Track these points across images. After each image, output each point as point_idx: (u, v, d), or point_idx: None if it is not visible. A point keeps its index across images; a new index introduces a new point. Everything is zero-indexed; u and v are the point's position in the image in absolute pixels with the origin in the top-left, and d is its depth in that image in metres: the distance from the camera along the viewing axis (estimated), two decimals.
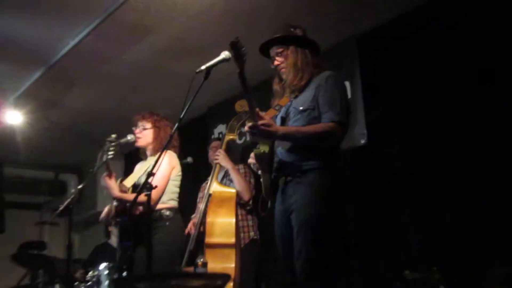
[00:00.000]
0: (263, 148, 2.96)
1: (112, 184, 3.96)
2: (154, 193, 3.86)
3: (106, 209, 4.31)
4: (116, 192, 3.93)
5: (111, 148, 3.93)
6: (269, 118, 2.88)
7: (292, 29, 3.10)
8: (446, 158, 4.08)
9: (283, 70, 3.07)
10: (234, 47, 2.66)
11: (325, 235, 2.83)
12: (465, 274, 3.39)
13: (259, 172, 3.07)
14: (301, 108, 2.97)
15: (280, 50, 3.08)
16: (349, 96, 4.83)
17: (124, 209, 3.94)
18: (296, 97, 3.05)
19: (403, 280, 3.49)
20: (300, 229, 2.82)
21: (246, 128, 2.85)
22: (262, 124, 2.74)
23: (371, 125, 4.68)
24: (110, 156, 3.95)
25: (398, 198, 4.37)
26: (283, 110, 3.08)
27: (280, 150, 2.99)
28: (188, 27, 4.70)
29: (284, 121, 3.05)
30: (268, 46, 3.14)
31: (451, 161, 4.03)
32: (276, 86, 3.17)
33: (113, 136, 4.01)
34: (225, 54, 2.92)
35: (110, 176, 3.97)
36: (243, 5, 4.31)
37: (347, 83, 4.90)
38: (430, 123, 4.22)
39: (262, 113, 2.86)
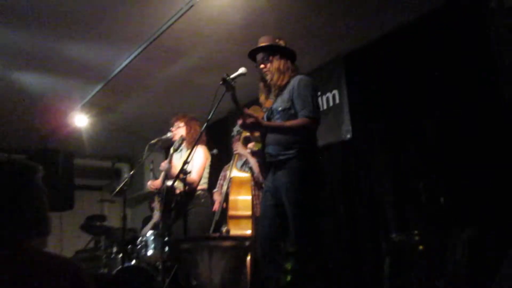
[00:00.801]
0: (257, 146, 2.95)
1: (173, 166, 3.96)
2: (196, 179, 3.90)
3: (151, 183, 4.26)
4: (175, 170, 3.92)
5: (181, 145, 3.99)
6: (256, 115, 2.79)
7: (277, 40, 3.04)
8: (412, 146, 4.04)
9: (267, 72, 3.00)
10: (225, 81, 2.67)
11: (308, 208, 2.78)
12: (438, 236, 3.32)
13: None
14: (280, 108, 2.90)
15: (266, 57, 3.01)
16: (337, 101, 4.83)
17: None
18: (276, 99, 2.97)
19: (389, 241, 3.42)
20: (289, 206, 2.78)
21: (238, 122, 2.80)
22: (250, 121, 2.70)
23: (354, 123, 4.64)
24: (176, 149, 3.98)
25: (378, 180, 4.33)
26: (268, 111, 3.02)
27: (269, 143, 2.94)
28: (213, 49, 4.66)
29: (269, 119, 2.99)
30: (255, 52, 3.07)
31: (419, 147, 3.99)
32: (260, 84, 3.10)
33: (169, 133, 4.07)
34: (242, 69, 2.89)
35: (170, 162, 3.97)
36: (253, 31, 4.26)
37: (335, 91, 4.88)
38: (402, 121, 4.17)
39: (249, 112, 2.78)
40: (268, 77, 3.00)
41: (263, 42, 3.05)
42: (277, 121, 2.91)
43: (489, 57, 3.54)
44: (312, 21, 4.20)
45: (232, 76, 2.81)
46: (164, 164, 4.04)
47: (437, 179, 3.75)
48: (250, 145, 3.13)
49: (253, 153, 3.02)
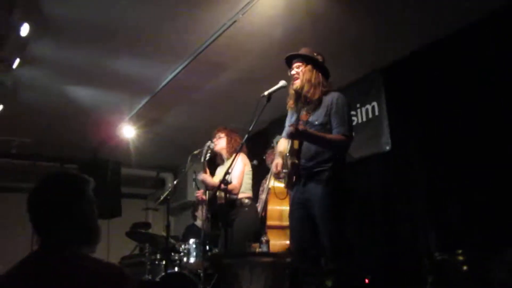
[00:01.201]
0: (293, 159, 2.95)
1: (208, 178, 4.06)
2: (237, 185, 3.96)
3: (199, 192, 4.35)
4: (212, 182, 4.00)
5: (207, 154, 4.06)
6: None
7: (315, 54, 3.08)
8: (452, 160, 3.96)
9: (296, 79, 3.02)
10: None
11: (339, 218, 2.81)
12: (482, 256, 3.23)
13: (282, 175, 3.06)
14: (316, 122, 2.93)
15: (300, 64, 3.05)
16: (377, 113, 4.80)
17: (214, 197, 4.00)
18: (313, 113, 2.99)
19: (432, 260, 3.37)
20: (321, 217, 2.80)
21: (290, 128, 2.84)
22: (301, 128, 2.78)
23: (393, 135, 4.59)
24: (206, 158, 4.11)
25: (418, 193, 4.26)
26: (304, 123, 3.01)
27: (303, 156, 2.95)
28: (253, 63, 4.74)
29: None
30: (292, 58, 3.10)
31: (457, 161, 3.91)
32: (291, 90, 3.10)
33: (208, 144, 4.14)
34: (282, 82, 2.97)
35: (205, 172, 4.09)
36: (293, 45, 4.30)
37: (374, 103, 4.85)
38: (442, 133, 4.10)
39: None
40: (296, 85, 3.02)
41: (302, 51, 3.10)
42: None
43: None
44: (351, 34, 4.22)
45: (271, 89, 2.88)
46: (198, 175, 4.14)
47: (477, 194, 3.66)
48: (279, 168, 3.14)
49: (290, 166, 3.04)
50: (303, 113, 3.04)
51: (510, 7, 3.65)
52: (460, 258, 3.17)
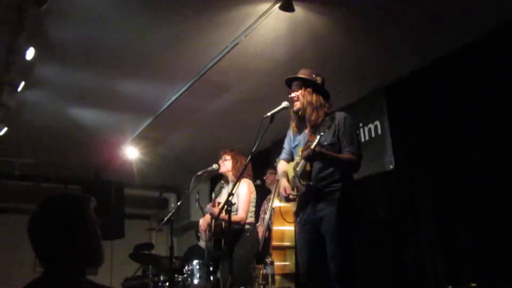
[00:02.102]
0: (304, 182, 2.92)
1: (215, 210, 4.00)
2: (243, 216, 3.94)
3: (202, 221, 4.32)
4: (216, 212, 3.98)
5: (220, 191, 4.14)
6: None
7: (314, 75, 3.05)
8: (458, 180, 3.92)
9: (295, 100, 3.01)
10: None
11: (349, 240, 2.79)
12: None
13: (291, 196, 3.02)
14: (325, 143, 2.90)
15: (299, 87, 3.03)
16: (379, 132, 4.79)
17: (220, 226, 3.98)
18: (319, 134, 2.88)
19: None
20: (332, 238, 2.77)
21: (307, 151, 2.79)
22: (319, 150, 2.76)
23: (397, 154, 4.57)
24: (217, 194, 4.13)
25: (422, 215, 4.21)
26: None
27: (314, 176, 2.92)
28: (257, 84, 4.76)
29: None
30: (291, 81, 3.10)
31: (464, 182, 3.87)
32: (292, 113, 3.09)
33: (214, 165, 4.16)
34: (285, 103, 2.96)
35: (214, 205, 4.05)
36: (296, 66, 4.30)
37: (377, 122, 4.84)
38: (445, 152, 4.08)
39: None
40: (297, 106, 3.01)
41: (301, 74, 3.10)
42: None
43: None
44: (353, 54, 4.24)
45: (274, 110, 2.87)
46: (209, 206, 4.11)
47: (487, 216, 3.61)
48: (288, 188, 3.11)
49: (303, 188, 3.00)
50: (309, 134, 3.03)
51: (509, 25, 3.66)
52: None
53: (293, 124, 3.13)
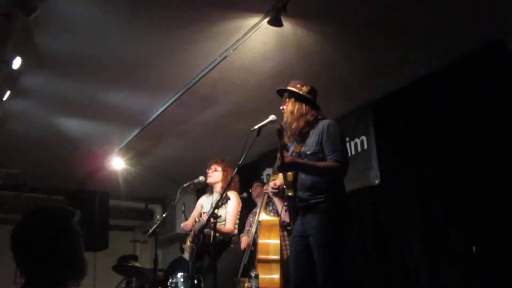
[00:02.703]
0: (289, 192, 2.93)
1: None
2: (232, 228, 3.92)
3: (186, 224, 4.29)
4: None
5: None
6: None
7: (299, 86, 3.04)
8: (441, 195, 3.96)
9: (284, 113, 3.02)
10: (279, 133, 2.80)
11: (338, 253, 2.74)
12: None
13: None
14: (308, 152, 2.89)
15: (286, 98, 3.05)
16: (365, 147, 4.83)
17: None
18: (304, 143, 2.96)
19: None
20: (319, 251, 2.74)
21: (276, 166, 2.80)
22: (288, 160, 2.76)
23: (383, 169, 4.61)
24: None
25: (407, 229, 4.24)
26: (296, 155, 2.97)
27: (300, 186, 2.91)
28: (245, 97, 4.78)
29: None
30: (279, 94, 3.11)
31: (448, 196, 3.91)
32: (283, 123, 3.08)
33: (201, 177, 4.13)
34: (272, 117, 2.98)
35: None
36: (283, 80, 4.31)
37: (363, 138, 4.89)
38: (430, 167, 4.12)
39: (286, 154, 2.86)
40: (284, 119, 3.02)
41: (289, 85, 3.10)
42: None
43: None
44: (340, 70, 4.29)
45: (261, 124, 2.89)
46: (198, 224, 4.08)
47: (468, 227, 3.65)
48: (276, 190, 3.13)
49: (286, 199, 3.01)
50: (295, 144, 3.04)
51: (497, 42, 3.74)
52: None
53: (286, 137, 3.13)
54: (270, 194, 4.43)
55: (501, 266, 3.33)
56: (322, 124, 2.92)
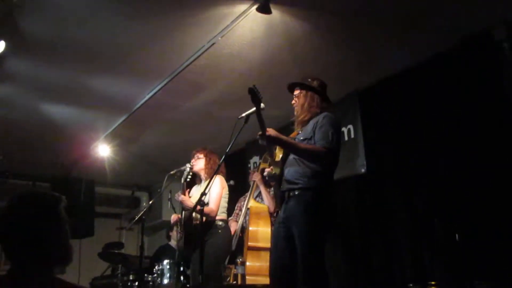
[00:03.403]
0: (275, 171, 2.97)
1: (187, 198, 4.02)
2: (214, 209, 3.94)
3: (174, 216, 4.31)
4: (190, 203, 3.95)
5: (188, 176, 4.02)
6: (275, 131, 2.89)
7: (309, 80, 3.16)
8: (426, 184, 4.01)
9: (296, 107, 3.13)
10: (251, 92, 2.80)
11: (317, 241, 2.76)
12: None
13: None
14: (301, 138, 2.96)
15: (297, 92, 3.16)
16: (352, 136, 4.86)
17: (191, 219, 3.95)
18: (301, 130, 3.06)
19: None
20: (298, 238, 2.76)
21: (258, 134, 2.87)
22: (270, 133, 2.83)
23: (369, 158, 4.64)
24: (186, 180, 4.07)
25: (392, 217, 4.29)
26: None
27: (286, 172, 2.96)
28: (232, 84, 4.76)
29: None
30: (291, 89, 3.22)
31: (433, 186, 3.96)
32: (294, 118, 3.19)
33: (187, 165, 4.11)
34: (260, 105, 2.98)
35: (184, 193, 4.04)
36: (272, 68, 4.39)
37: (350, 126, 4.91)
38: (416, 156, 4.17)
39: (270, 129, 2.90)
40: (295, 112, 3.13)
41: (299, 80, 3.20)
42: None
43: (504, 95, 3.57)
44: (329, 58, 4.29)
45: (249, 111, 2.89)
46: (177, 196, 4.09)
47: (452, 215, 3.71)
48: (268, 169, 3.17)
49: (271, 177, 3.05)
50: (295, 131, 3.13)
51: (484, 33, 3.77)
52: None
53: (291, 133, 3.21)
54: (258, 182, 4.47)
55: (484, 254, 3.39)
56: (321, 115, 3.01)
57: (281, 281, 2.83)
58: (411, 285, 3.27)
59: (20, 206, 1.51)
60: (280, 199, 3.01)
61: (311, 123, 3.00)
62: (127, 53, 4.19)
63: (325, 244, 2.79)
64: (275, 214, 4.45)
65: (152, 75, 4.59)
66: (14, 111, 5.26)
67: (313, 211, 2.78)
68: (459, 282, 3.20)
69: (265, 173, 3.17)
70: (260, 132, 2.84)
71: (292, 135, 3.12)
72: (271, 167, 3.15)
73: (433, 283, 3.13)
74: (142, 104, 5.13)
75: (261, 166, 4.67)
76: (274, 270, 2.90)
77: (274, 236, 3.00)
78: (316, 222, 2.76)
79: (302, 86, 3.15)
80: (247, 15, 3.58)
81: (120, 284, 4.86)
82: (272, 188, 4.69)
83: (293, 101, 3.16)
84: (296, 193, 2.86)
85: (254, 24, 3.76)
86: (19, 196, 1.54)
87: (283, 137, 2.89)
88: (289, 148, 2.94)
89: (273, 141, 2.89)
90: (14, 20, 3.59)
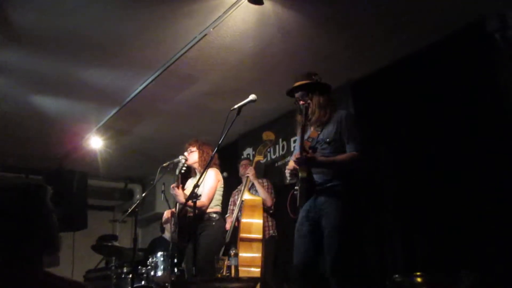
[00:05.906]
0: (302, 174, 2.94)
1: (180, 192, 3.99)
2: (205, 202, 3.92)
3: (166, 213, 4.30)
4: (182, 198, 3.94)
5: (183, 168, 4.00)
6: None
7: (313, 76, 3.13)
8: (418, 176, 4.03)
9: (310, 107, 3.05)
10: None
11: (348, 234, 2.83)
12: (442, 280, 3.25)
13: (287, 181, 3.09)
14: (327, 139, 2.98)
15: (305, 94, 3.09)
16: None
17: (185, 212, 3.94)
18: (321, 130, 3.04)
19: (392, 282, 3.35)
20: (331, 231, 2.80)
21: (294, 156, 2.90)
22: (309, 156, 2.85)
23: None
24: (181, 172, 4.04)
25: (382, 206, 4.31)
26: (313, 141, 3.05)
27: (316, 173, 2.97)
28: (225, 76, 4.74)
29: (315, 149, 3.03)
30: (294, 92, 3.14)
31: (424, 177, 3.98)
32: (298, 118, 3.16)
33: (181, 157, 4.08)
34: (252, 96, 2.98)
35: (177, 187, 4.02)
36: (264, 59, 4.37)
37: None
38: (408, 148, 4.18)
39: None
40: (310, 112, 3.06)
41: (300, 80, 3.13)
42: (322, 153, 2.98)
43: (495, 86, 3.58)
44: (321, 49, 4.28)
45: (241, 103, 2.89)
46: (172, 188, 4.08)
47: (443, 203, 3.74)
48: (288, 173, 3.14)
49: (300, 181, 3.02)
50: (312, 130, 3.10)
51: (475, 25, 3.78)
52: (419, 280, 3.19)
53: (298, 129, 3.16)
54: (251, 178, 4.46)
55: (475, 239, 3.42)
56: (340, 114, 3.04)
57: (306, 274, 2.87)
58: (396, 276, 3.32)
59: (4, 197, 1.49)
60: (305, 195, 2.97)
61: (332, 123, 3.02)
62: (119, 45, 4.15)
63: (355, 238, 2.86)
64: (272, 208, 4.45)
65: (143, 67, 4.55)
66: (5, 104, 5.21)
67: (346, 204, 2.85)
68: (446, 272, 3.25)
69: (288, 178, 3.11)
70: (297, 155, 2.84)
71: (311, 135, 3.09)
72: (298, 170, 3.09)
73: (418, 273, 3.18)
74: (134, 96, 5.10)
75: (256, 159, 4.67)
76: (300, 264, 2.92)
77: (299, 233, 2.99)
78: (348, 216, 2.84)
79: (316, 85, 3.10)
80: (239, 6, 3.56)
81: (114, 276, 4.86)
82: (264, 179, 4.70)
83: (303, 102, 3.07)
84: (328, 188, 2.91)
85: (246, 15, 3.74)
86: (2, 187, 1.52)
87: (320, 158, 2.91)
88: (328, 167, 2.95)
89: (312, 164, 2.89)
90: (4, 11, 3.54)
